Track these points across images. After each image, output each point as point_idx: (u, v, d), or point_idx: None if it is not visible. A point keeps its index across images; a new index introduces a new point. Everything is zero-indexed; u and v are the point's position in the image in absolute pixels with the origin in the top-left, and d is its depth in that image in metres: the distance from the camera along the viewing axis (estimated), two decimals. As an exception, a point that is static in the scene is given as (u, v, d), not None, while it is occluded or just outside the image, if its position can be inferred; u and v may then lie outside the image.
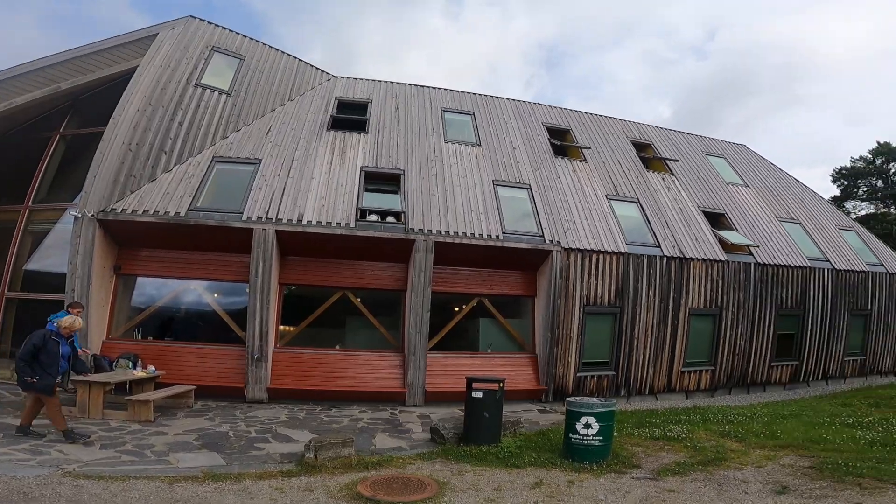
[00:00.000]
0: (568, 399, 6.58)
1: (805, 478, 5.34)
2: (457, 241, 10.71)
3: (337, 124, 12.76)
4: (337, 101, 13.63)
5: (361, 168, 11.70)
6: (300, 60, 14.28)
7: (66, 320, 6.48)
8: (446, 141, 13.19)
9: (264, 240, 9.85)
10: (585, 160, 14.04)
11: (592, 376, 11.44)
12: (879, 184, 26.21)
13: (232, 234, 9.91)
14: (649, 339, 11.88)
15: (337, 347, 10.96)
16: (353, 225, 10.37)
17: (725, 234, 13.43)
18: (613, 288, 11.63)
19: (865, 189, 26.75)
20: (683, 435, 7.11)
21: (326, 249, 10.57)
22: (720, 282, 12.61)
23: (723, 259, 12.70)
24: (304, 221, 10.18)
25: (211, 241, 10.11)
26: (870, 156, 26.61)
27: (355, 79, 14.98)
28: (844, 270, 14.40)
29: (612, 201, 12.97)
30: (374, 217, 10.70)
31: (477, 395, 6.83)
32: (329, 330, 11.34)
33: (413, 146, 12.72)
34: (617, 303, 11.64)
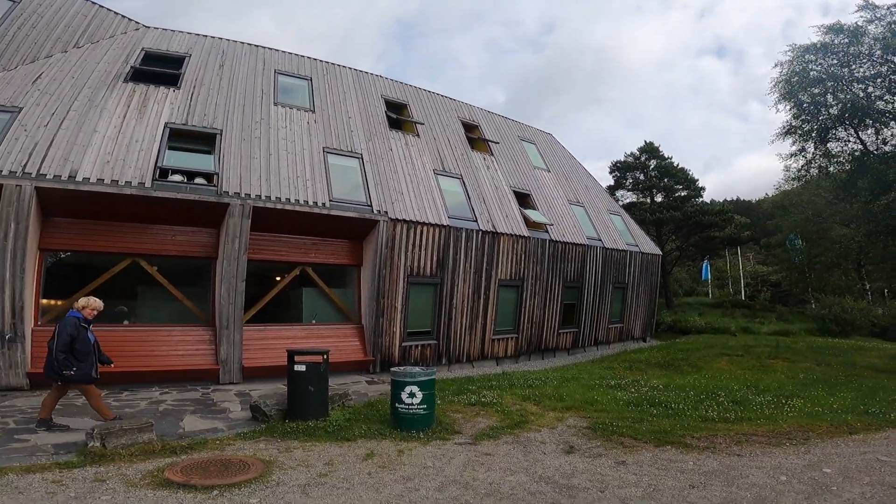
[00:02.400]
0: (392, 369, 6.69)
1: (585, 437, 5.98)
2: (279, 206, 10.06)
3: (139, 76, 10.86)
4: (144, 52, 11.56)
5: (166, 124, 10.22)
6: (100, 6, 11.96)
7: (83, 301, 6.10)
8: (276, 104, 12.12)
9: (18, 198, 8.03)
10: (418, 135, 14.24)
11: (417, 346, 11.95)
12: (641, 177, 32.42)
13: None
14: (466, 309, 12.86)
15: (125, 323, 9.53)
16: (148, 185, 9.07)
17: (529, 212, 15.14)
18: (435, 259, 12.21)
19: (631, 181, 32.82)
20: (495, 400, 7.65)
21: (112, 211, 9.11)
22: (523, 256, 14.24)
23: (526, 235, 14.32)
24: (80, 178, 8.59)
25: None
26: (637, 153, 32.70)
27: (172, 31, 12.78)
28: (611, 249, 17.58)
29: (438, 176, 13.47)
30: (178, 177, 9.49)
31: (300, 368, 6.56)
32: (116, 302, 9.79)
33: (236, 106, 11.44)
34: (438, 273, 12.27)
